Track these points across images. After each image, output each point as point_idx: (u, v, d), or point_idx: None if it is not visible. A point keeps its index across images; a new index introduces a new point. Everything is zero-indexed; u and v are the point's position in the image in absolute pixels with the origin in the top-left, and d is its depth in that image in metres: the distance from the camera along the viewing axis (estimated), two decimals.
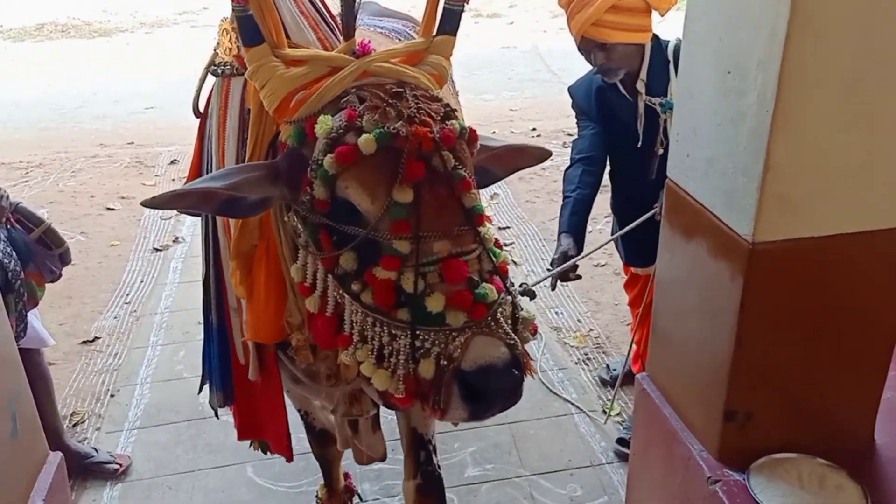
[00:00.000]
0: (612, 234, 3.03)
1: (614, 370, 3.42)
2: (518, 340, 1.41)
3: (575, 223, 2.74)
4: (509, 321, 1.43)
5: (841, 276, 1.68)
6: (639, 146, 2.71)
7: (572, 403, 3.31)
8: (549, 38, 9.92)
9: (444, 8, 1.63)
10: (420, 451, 2.23)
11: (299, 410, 2.36)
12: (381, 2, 2.93)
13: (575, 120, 2.90)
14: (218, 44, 1.81)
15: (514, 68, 8.96)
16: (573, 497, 2.85)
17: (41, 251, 2.67)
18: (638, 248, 2.93)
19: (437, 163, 1.42)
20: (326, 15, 1.68)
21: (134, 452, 3.11)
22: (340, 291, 1.47)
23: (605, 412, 3.23)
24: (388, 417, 2.46)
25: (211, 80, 1.90)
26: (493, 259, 1.47)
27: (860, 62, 1.49)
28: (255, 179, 1.52)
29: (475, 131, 1.55)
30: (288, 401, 2.10)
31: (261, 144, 1.65)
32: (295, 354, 1.79)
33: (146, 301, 4.26)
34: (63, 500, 2.02)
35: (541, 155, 1.82)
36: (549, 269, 2.72)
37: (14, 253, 2.49)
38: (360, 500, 2.78)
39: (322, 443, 2.45)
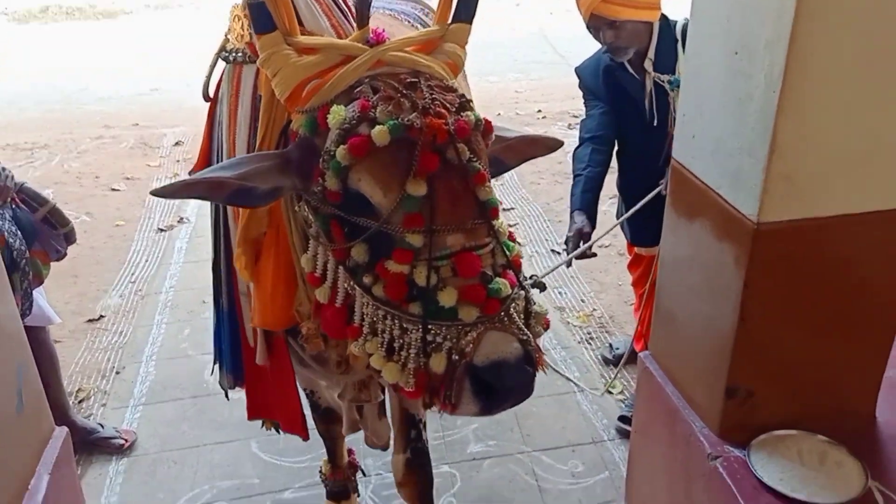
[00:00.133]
0: (618, 215, 3.03)
1: (617, 349, 3.44)
2: (531, 336, 1.40)
3: (588, 200, 2.74)
4: (522, 316, 1.42)
5: (844, 257, 1.69)
6: (654, 124, 2.70)
7: (574, 382, 3.33)
8: (556, 21, 9.87)
9: None
10: (411, 430, 2.25)
11: (305, 389, 2.36)
12: None
13: (582, 100, 2.90)
14: (229, 29, 1.78)
15: (520, 50, 8.92)
16: (574, 473, 2.88)
17: (46, 230, 2.69)
18: (645, 227, 2.94)
19: (452, 155, 1.39)
20: (340, 0, 1.65)
21: (139, 428, 3.14)
22: (351, 283, 1.46)
23: (609, 392, 3.25)
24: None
25: (221, 64, 1.87)
26: (507, 253, 1.45)
27: (867, 43, 1.49)
28: (265, 169, 1.48)
29: (490, 123, 1.53)
30: None
31: (272, 132, 1.63)
32: (305, 343, 1.76)
33: (151, 280, 4.29)
34: (69, 473, 2.04)
35: (553, 145, 1.79)
36: (564, 248, 2.73)
37: (19, 232, 2.52)
38: (364, 475, 2.80)
39: (327, 420, 2.46)
